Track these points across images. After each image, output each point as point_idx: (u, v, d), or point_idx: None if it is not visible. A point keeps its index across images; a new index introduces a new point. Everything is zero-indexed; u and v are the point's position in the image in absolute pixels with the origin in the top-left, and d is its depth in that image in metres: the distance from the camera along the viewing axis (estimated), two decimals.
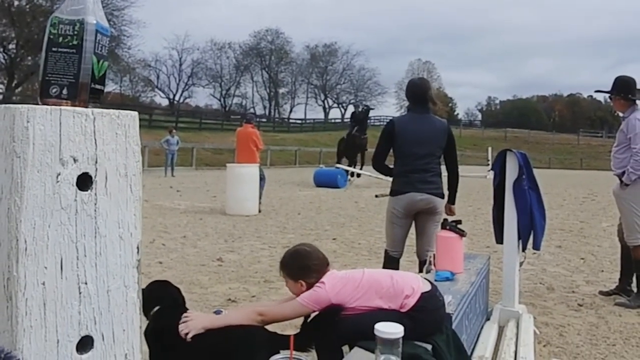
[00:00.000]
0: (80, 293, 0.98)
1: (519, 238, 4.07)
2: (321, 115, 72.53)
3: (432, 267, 3.64)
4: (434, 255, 3.72)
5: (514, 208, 4.00)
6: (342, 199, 14.13)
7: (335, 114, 75.95)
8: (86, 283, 0.99)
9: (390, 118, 5.30)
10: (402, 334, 1.70)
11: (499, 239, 4.27)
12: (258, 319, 2.44)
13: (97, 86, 1.05)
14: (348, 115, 71.23)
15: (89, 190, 0.97)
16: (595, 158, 45.54)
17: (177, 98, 64.37)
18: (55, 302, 0.95)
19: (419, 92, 4.39)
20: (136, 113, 1.01)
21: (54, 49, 0.99)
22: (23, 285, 0.90)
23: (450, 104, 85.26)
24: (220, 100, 69.18)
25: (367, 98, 72.79)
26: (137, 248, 1.07)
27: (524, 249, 4.16)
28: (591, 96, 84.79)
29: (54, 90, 1.00)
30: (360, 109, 21.57)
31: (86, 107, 1.03)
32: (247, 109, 67.46)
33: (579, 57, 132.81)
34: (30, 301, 0.91)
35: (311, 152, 37.52)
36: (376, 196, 14.35)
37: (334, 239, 8.11)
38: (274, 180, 18.58)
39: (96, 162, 0.97)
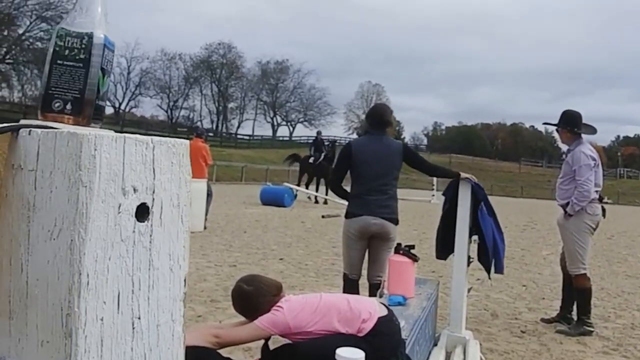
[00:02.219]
0: (133, 328, 0.94)
1: (486, 263, 4.11)
2: (269, 132, 72.60)
3: (385, 291, 3.66)
4: (385, 279, 3.74)
5: (465, 235, 4.07)
6: (288, 219, 14.06)
7: (283, 131, 76.12)
8: (139, 318, 0.95)
9: (345, 139, 5.35)
10: (363, 359, 1.69)
11: (440, 254, 4.35)
12: (213, 341, 2.37)
13: (100, 103, 1.02)
14: (296, 133, 71.61)
15: (146, 222, 0.94)
16: (535, 187, 46.95)
17: (122, 107, 63.24)
18: (111, 338, 0.91)
19: (377, 115, 4.47)
20: (188, 142, 0.98)
21: (59, 62, 0.96)
22: (83, 321, 0.86)
23: (397, 128, 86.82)
24: (167, 111, 68.38)
25: (316, 117, 73.45)
26: (184, 281, 1.04)
27: (488, 272, 4.17)
28: (533, 126, 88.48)
29: (57, 105, 0.97)
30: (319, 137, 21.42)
31: (89, 124, 1.01)
32: (195, 122, 66.79)
33: (522, 87, 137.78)
34: (90, 338, 0.88)
35: (258, 169, 37.29)
36: (323, 217, 14.35)
37: (281, 259, 8.03)
38: (220, 196, 18.35)
39: (153, 192, 0.94)
